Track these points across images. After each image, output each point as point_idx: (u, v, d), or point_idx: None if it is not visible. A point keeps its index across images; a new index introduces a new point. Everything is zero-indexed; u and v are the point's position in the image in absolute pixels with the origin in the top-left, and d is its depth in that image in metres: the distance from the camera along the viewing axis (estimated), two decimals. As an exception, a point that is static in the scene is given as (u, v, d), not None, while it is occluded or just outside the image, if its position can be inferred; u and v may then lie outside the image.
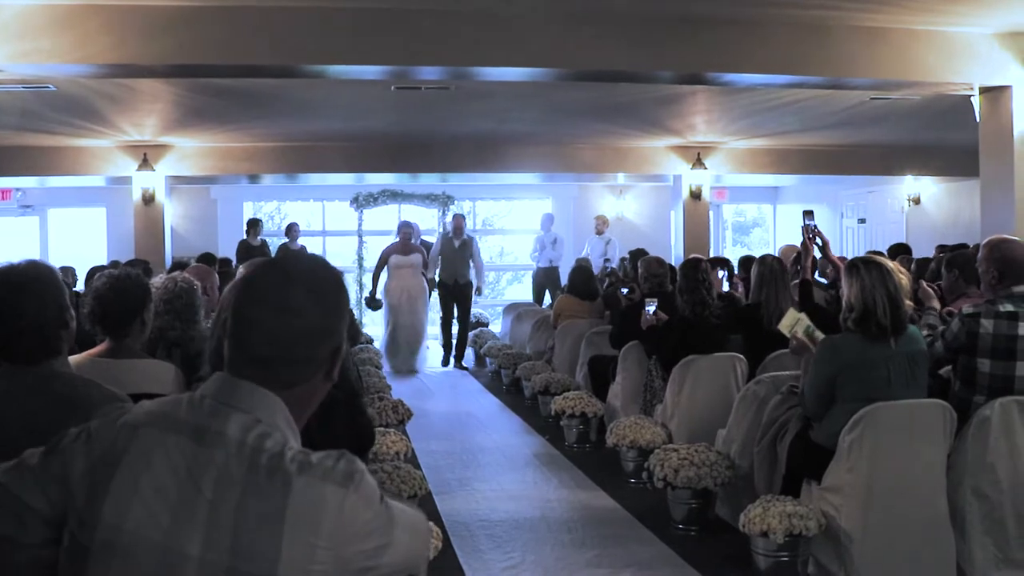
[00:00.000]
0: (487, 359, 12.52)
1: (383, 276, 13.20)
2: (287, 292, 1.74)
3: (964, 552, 4.73)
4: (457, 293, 13.11)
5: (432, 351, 13.83)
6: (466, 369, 13.09)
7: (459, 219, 13.52)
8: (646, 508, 6.16)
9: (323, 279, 1.79)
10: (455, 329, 13.40)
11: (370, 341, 12.47)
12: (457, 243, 13.13)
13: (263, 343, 1.72)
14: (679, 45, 7.26)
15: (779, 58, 7.36)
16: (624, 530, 5.93)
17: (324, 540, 1.61)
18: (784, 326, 5.28)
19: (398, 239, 13.21)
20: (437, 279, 13.21)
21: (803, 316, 5.21)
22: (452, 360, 13.34)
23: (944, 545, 4.67)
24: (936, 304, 5.46)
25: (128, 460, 1.67)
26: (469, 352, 13.56)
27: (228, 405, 1.70)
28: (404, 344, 12.93)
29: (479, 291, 13.61)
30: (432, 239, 14.68)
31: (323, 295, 1.76)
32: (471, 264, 13.25)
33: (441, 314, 13.50)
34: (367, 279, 18.43)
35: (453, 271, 13.06)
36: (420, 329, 13.05)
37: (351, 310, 9.80)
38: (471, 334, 13.80)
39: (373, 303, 13.13)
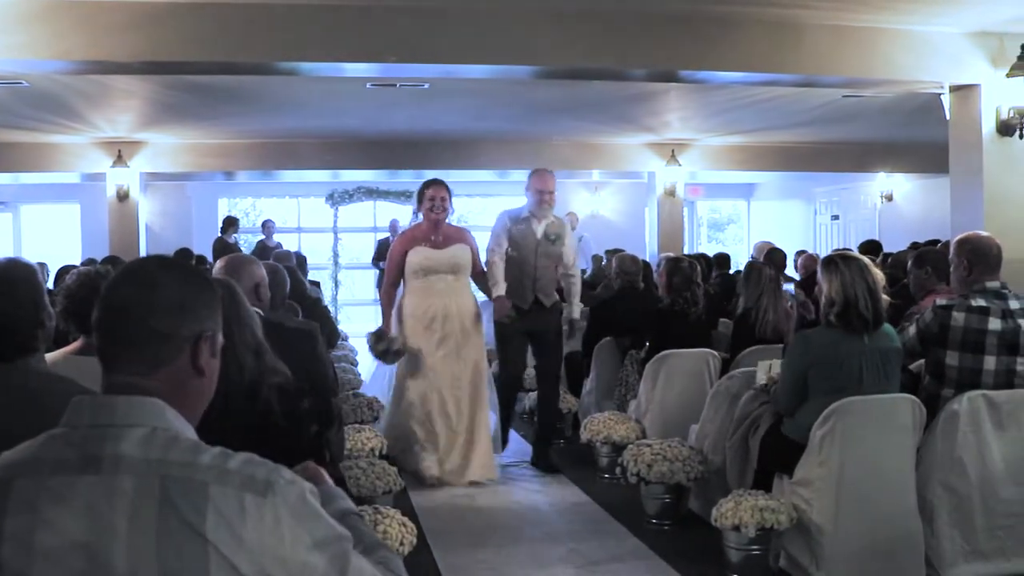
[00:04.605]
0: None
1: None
2: (146, 270, 1.78)
3: (933, 544, 4.78)
4: (540, 327, 7.22)
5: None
6: (556, 471, 7.15)
7: (547, 179, 7.21)
8: (619, 503, 6.20)
9: (185, 266, 1.84)
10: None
11: (346, 338, 12.36)
12: (539, 229, 7.19)
13: (125, 318, 1.71)
14: (652, 43, 7.29)
15: (752, 56, 7.40)
16: (597, 525, 5.98)
17: (247, 551, 1.54)
18: (761, 378, 5.37)
19: (420, 217, 7.13)
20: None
21: (773, 362, 5.30)
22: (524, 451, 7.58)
23: (913, 537, 4.72)
24: None
25: (11, 520, 1.56)
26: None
27: (113, 426, 1.61)
28: (448, 430, 6.87)
29: (572, 330, 7.44)
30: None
31: (183, 275, 1.78)
32: (564, 274, 7.42)
33: (500, 367, 7.40)
34: (343, 276, 18.46)
35: (531, 283, 7.15)
36: (481, 392, 6.98)
37: (325, 307, 9.71)
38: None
39: (383, 346, 6.96)
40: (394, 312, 7.08)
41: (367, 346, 7.06)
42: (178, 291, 1.73)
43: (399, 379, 7.10)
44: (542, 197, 7.12)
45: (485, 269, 7.15)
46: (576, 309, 7.42)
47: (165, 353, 1.70)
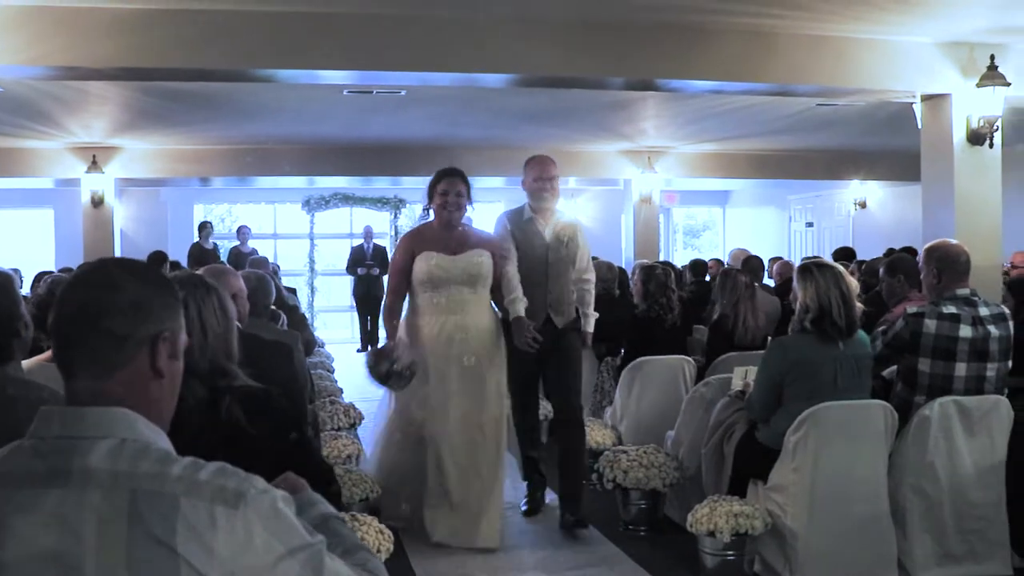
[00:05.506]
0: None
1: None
2: (100, 271, 1.72)
3: (905, 548, 4.84)
4: (550, 353, 5.86)
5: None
6: (583, 526, 5.82)
7: (546, 164, 5.97)
8: (596, 509, 6.20)
9: (143, 267, 1.77)
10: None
11: (322, 345, 12.23)
12: (547, 230, 5.96)
13: (78, 321, 1.65)
14: (628, 52, 7.33)
15: (726, 65, 7.45)
16: (574, 530, 5.98)
17: (219, 563, 1.53)
18: (737, 384, 5.42)
19: (431, 215, 5.80)
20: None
21: (749, 368, 5.35)
22: (542, 503, 6.26)
23: (885, 542, 4.78)
24: None
25: None
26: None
27: (82, 437, 1.58)
28: (461, 482, 5.57)
29: (584, 343, 6.19)
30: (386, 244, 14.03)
31: (139, 276, 1.72)
32: (578, 279, 6.11)
33: (515, 396, 6.03)
34: (319, 282, 18.40)
35: (542, 296, 5.86)
36: (497, 439, 5.69)
37: (303, 315, 9.64)
38: None
39: (386, 366, 5.48)
40: (401, 331, 5.69)
41: (367, 371, 5.62)
42: (133, 291, 1.68)
43: (400, 410, 5.79)
44: (542, 185, 5.85)
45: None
46: (591, 322, 6.13)
47: (121, 355, 1.65)
